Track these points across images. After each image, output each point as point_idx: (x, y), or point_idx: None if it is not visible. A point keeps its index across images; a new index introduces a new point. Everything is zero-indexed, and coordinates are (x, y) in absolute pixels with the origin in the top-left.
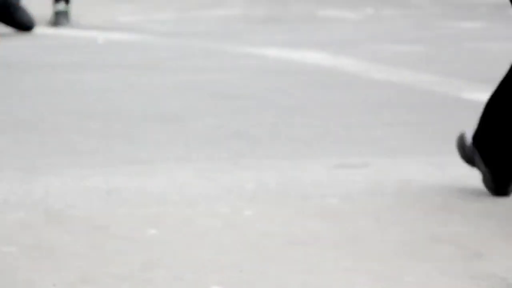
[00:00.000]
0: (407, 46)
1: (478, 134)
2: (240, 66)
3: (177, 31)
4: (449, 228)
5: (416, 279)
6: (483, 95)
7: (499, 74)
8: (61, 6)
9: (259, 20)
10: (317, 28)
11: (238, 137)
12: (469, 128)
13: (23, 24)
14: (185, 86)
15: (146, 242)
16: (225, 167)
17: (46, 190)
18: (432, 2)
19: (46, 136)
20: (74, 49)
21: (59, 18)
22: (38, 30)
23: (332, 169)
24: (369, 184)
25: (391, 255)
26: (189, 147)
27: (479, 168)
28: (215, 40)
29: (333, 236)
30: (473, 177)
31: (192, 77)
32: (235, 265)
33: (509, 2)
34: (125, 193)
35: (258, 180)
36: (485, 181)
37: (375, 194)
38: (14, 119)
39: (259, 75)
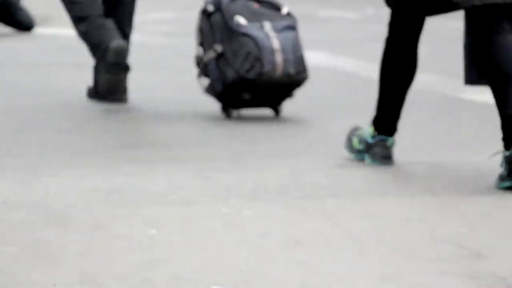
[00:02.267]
0: None
1: None
2: None
3: (177, 31)
4: (449, 228)
5: (416, 279)
6: (483, 95)
7: None
8: None
9: None
10: (317, 28)
11: (238, 137)
12: (469, 127)
13: (23, 24)
14: (184, 86)
15: (146, 242)
16: (225, 167)
17: (46, 190)
18: None
19: (46, 136)
20: (74, 49)
21: None
22: (38, 30)
23: (332, 169)
24: (369, 184)
25: (391, 255)
26: (189, 147)
27: None
28: None
29: (333, 236)
30: (473, 177)
31: (192, 77)
32: (235, 265)
33: None
34: (125, 193)
35: (258, 180)
36: None
37: (375, 194)
38: (14, 119)
39: None
